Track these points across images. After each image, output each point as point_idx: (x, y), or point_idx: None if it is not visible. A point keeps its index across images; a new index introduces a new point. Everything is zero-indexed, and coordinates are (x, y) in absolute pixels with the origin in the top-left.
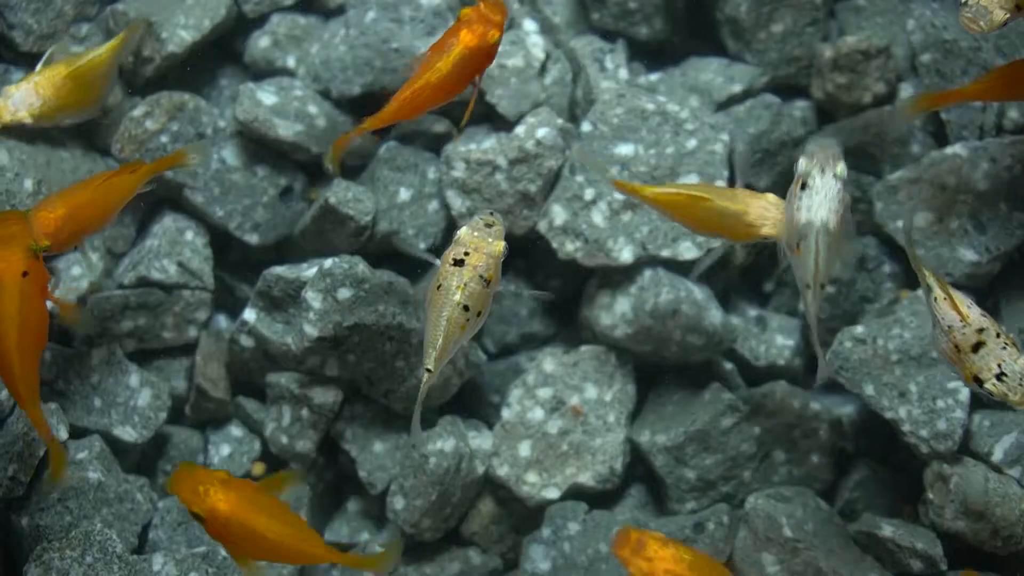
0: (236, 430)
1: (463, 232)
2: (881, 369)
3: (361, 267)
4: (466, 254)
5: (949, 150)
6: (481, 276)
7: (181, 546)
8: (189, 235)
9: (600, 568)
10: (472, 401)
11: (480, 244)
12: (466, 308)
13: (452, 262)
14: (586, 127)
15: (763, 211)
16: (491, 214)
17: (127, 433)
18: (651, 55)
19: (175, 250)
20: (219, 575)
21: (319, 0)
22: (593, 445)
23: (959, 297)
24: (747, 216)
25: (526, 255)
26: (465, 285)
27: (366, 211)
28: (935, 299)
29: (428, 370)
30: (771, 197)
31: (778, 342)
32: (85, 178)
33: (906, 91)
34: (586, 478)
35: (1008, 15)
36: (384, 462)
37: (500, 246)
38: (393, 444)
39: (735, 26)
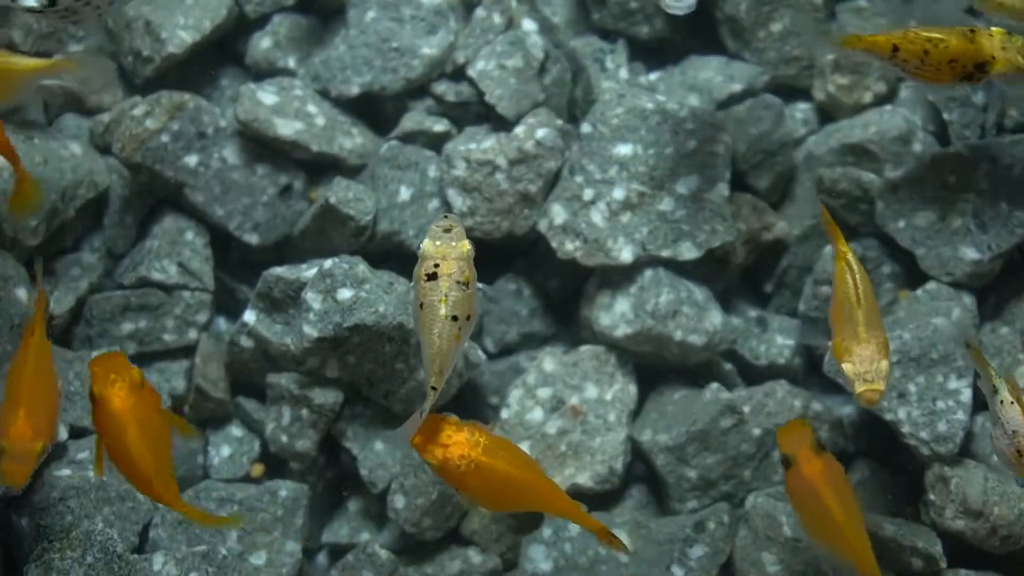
0: (236, 430)
1: (426, 245)
2: None
3: (361, 268)
4: (436, 266)
5: (951, 149)
6: (458, 282)
7: (181, 545)
8: (189, 235)
9: (600, 569)
10: (472, 401)
11: (446, 251)
12: (455, 318)
13: (426, 278)
14: (586, 127)
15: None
16: (445, 217)
17: None
18: (651, 54)
19: (175, 250)
20: (219, 574)
21: (320, 0)
22: (592, 445)
23: None
24: None
25: (526, 255)
26: (446, 296)
27: (366, 211)
28: (1002, 402)
29: (433, 388)
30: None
31: (778, 342)
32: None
33: (906, 91)
34: (585, 478)
35: None
36: (385, 461)
37: (465, 246)
38: (394, 443)
39: (734, 25)
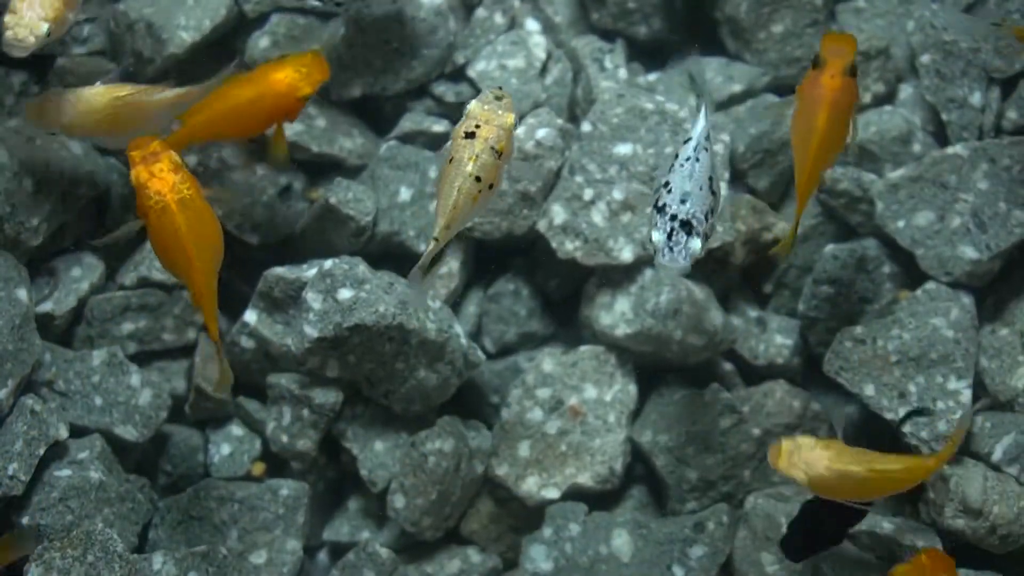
0: (237, 429)
1: (473, 105)
2: (881, 370)
3: (361, 268)
4: (477, 127)
5: (950, 150)
6: (492, 148)
7: (181, 545)
8: None
9: (600, 569)
10: (472, 401)
11: (490, 117)
12: (478, 179)
13: (463, 135)
14: (586, 127)
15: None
16: (500, 88)
17: (128, 432)
18: (650, 55)
19: None
20: (219, 574)
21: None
22: (592, 445)
23: None
24: None
25: (526, 255)
26: (477, 156)
27: (366, 211)
28: None
29: (435, 239)
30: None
31: (777, 341)
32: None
33: (906, 91)
34: (585, 479)
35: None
36: (385, 460)
37: (511, 118)
38: (394, 443)
39: (735, 26)
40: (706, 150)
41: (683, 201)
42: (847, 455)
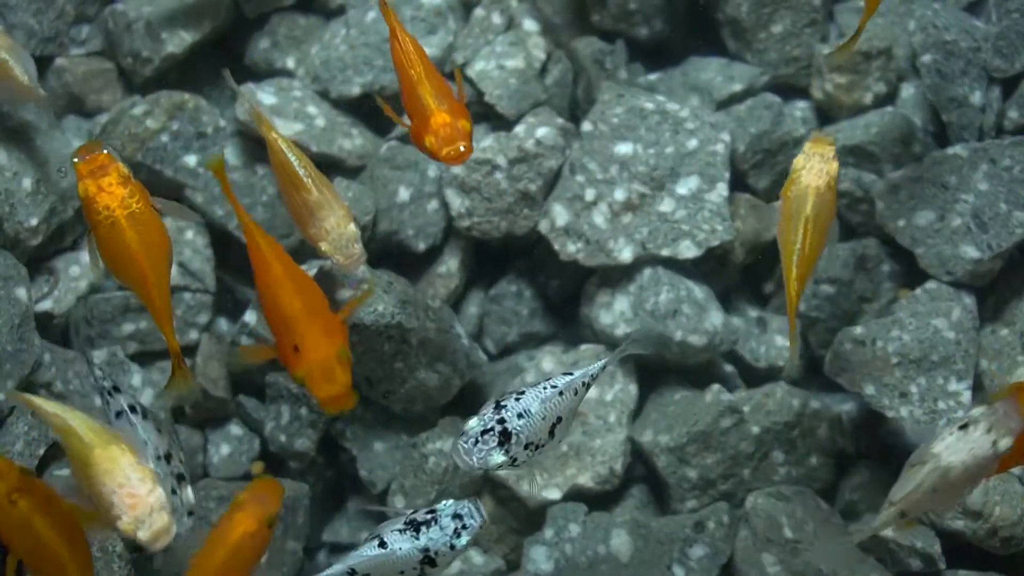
0: (236, 429)
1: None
2: (881, 371)
3: (361, 268)
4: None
5: (950, 150)
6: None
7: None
8: (190, 235)
9: (601, 570)
10: (472, 401)
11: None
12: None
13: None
14: (586, 127)
15: None
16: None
17: None
18: (651, 55)
19: (176, 251)
20: None
21: (319, 0)
22: (593, 446)
23: None
24: None
25: (527, 255)
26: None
27: (366, 211)
28: None
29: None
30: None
31: (778, 343)
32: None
33: (907, 91)
34: (586, 479)
35: None
36: (384, 461)
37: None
38: (393, 444)
39: (735, 26)
40: (575, 393)
41: (519, 416)
42: None
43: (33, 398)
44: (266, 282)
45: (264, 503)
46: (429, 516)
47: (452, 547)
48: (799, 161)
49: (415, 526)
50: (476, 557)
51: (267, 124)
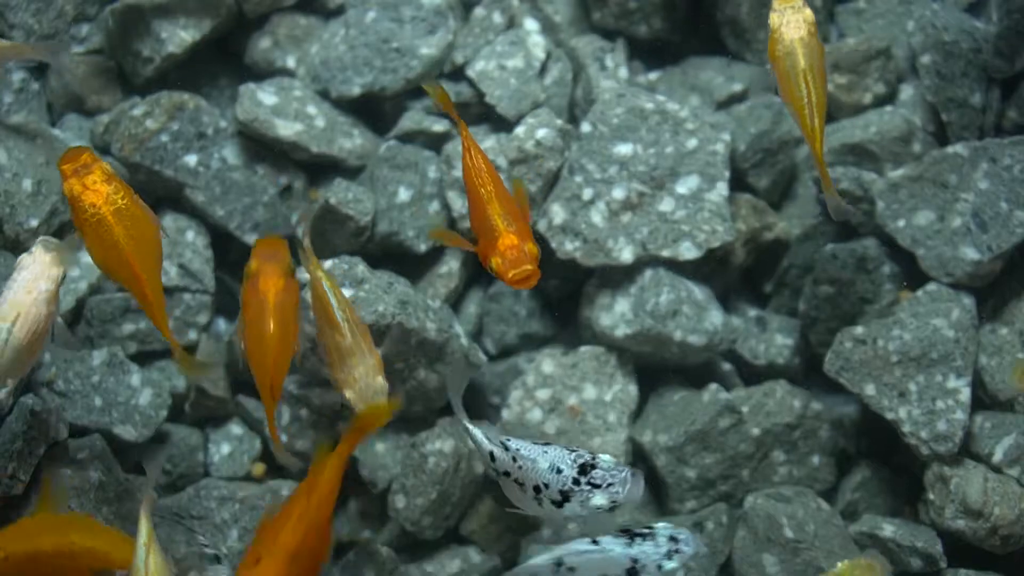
0: (236, 428)
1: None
2: (881, 370)
3: (360, 268)
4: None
5: (950, 149)
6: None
7: (181, 545)
8: (190, 235)
9: None
10: (472, 402)
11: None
12: None
13: None
14: (586, 127)
15: None
16: None
17: (127, 432)
18: (651, 54)
19: (175, 251)
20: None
21: (319, 0)
22: (592, 445)
23: None
24: None
25: None
26: None
27: (366, 211)
28: None
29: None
30: None
31: (778, 341)
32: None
33: (906, 92)
34: None
35: None
36: (385, 461)
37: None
38: (394, 444)
39: (735, 26)
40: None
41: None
42: None
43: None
44: (476, 191)
45: (276, 258)
46: (647, 531)
47: (659, 567)
48: (775, 19)
49: (631, 535)
50: (474, 555)
51: (315, 262)
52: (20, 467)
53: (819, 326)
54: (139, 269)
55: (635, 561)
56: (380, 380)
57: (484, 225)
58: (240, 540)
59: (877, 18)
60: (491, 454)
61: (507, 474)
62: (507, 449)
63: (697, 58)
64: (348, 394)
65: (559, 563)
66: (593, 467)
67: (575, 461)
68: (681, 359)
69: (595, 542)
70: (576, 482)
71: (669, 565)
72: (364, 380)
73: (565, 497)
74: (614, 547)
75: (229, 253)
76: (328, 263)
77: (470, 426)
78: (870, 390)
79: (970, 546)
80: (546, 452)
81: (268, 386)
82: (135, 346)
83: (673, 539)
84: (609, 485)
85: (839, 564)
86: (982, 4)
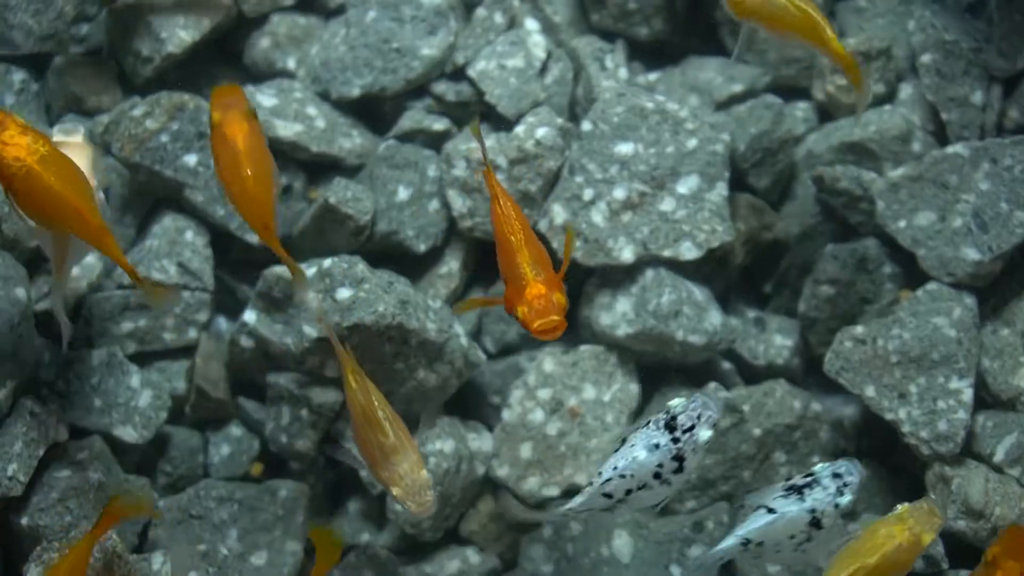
0: (236, 429)
1: None
2: (881, 370)
3: (360, 267)
4: None
5: (950, 149)
6: None
7: (181, 545)
8: (189, 235)
9: (602, 570)
10: (472, 402)
11: None
12: None
13: None
14: (586, 126)
15: None
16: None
17: (127, 433)
18: (651, 55)
19: (175, 250)
20: (220, 574)
21: (319, 0)
22: (589, 446)
23: None
24: None
25: None
26: None
27: (365, 211)
28: None
29: None
30: None
31: (777, 342)
32: None
33: (906, 91)
34: (583, 479)
35: None
36: None
37: None
38: None
39: (735, 26)
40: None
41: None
42: None
43: None
44: (505, 238)
45: (237, 105)
46: (809, 479)
47: (836, 506)
48: None
49: (797, 490)
50: (473, 556)
51: (352, 367)
52: (20, 468)
53: (819, 326)
54: (82, 208)
55: (813, 512)
56: (424, 474)
57: (512, 273)
58: (239, 540)
59: (877, 17)
60: (604, 495)
61: (629, 492)
62: (607, 477)
63: (697, 58)
64: (395, 491)
65: (746, 542)
66: (674, 418)
67: (657, 426)
68: (682, 358)
69: (771, 510)
70: (676, 440)
71: (845, 500)
72: (409, 476)
73: (680, 458)
74: (789, 507)
75: (229, 253)
76: (328, 262)
77: (573, 505)
78: (870, 391)
79: (971, 547)
80: (633, 446)
81: (262, 226)
82: (134, 345)
83: (836, 475)
84: (699, 417)
85: (898, 507)
86: (982, 4)
